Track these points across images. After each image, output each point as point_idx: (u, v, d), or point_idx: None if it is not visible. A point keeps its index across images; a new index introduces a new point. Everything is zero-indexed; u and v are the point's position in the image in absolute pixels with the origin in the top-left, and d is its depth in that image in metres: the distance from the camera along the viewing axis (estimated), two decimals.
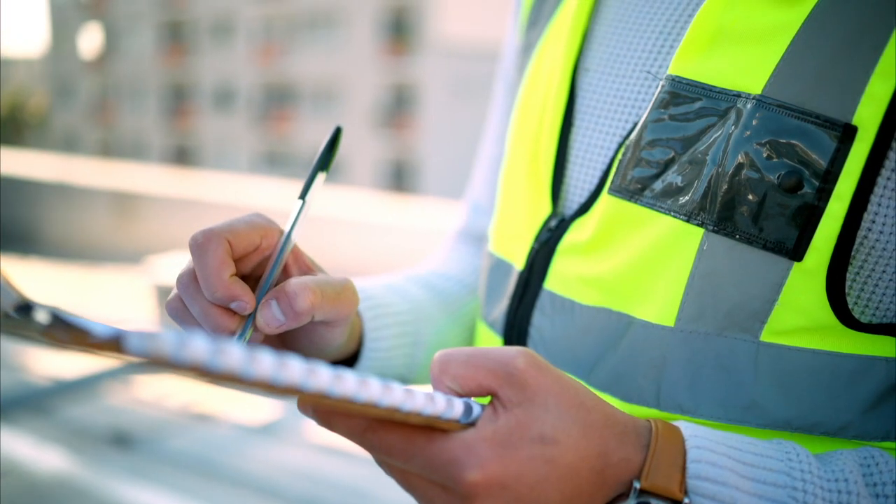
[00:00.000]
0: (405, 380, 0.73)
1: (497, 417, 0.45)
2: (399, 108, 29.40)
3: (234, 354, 0.36)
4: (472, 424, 0.46)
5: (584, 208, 0.62)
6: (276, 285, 0.56)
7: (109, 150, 36.48)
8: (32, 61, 51.10)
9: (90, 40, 37.93)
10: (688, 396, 0.55)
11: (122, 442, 3.75)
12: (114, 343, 0.33)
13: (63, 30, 38.94)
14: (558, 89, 0.66)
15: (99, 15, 37.17)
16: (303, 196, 0.58)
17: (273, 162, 32.44)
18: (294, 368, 0.38)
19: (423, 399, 0.43)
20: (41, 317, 0.34)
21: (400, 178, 29.22)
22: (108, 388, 4.44)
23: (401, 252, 7.17)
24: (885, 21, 0.49)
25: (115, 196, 10.04)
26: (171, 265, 6.30)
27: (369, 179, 28.68)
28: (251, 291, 0.54)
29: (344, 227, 7.76)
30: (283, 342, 0.62)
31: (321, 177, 0.59)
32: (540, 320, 0.63)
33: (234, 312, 0.54)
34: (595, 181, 0.63)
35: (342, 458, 3.60)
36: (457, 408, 0.45)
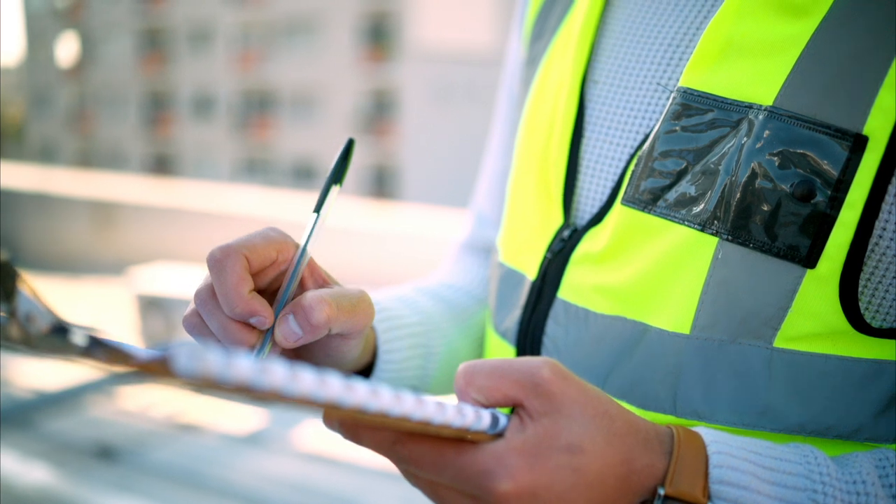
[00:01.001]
0: (417, 391, 0.73)
1: (525, 428, 0.46)
2: (379, 113, 29.41)
3: (278, 373, 0.36)
4: (499, 435, 0.46)
5: (597, 219, 0.63)
6: (292, 299, 0.57)
7: (88, 159, 36.20)
8: (8, 70, 50.65)
9: (67, 49, 37.65)
10: (703, 402, 0.56)
11: (106, 455, 3.71)
12: (160, 365, 0.33)
13: (39, 38, 38.62)
14: (567, 101, 0.67)
15: (75, 23, 36.90)
16: (317, 209, 0.59)
17: (253, 169, 32.34)
18: (333, 385, 0.39)
19: (453, 411, 0.44)
20: (78, 339, 0.34)
21: (381, 184, 29.21)
22: (91, 400, 4.40)
23: (382, 258, 7.15)
24: (893, 34, 0.51)
25: (94, 206, 9.96)
26: (153, 276, 6.26)
27: (350, 186, 28.63)
28: (269, 306, 0.55)
29: (323, 234, 7.69)
30: (299, 355, 0.62)
31: (335, 190, 0.59)
32: (554, 329, 0.64)
33: (253, 327, 0.55)
34: (607, 192, 0.64)
35: (329, 466, 3.58)
36: (484, 419, 0.46)
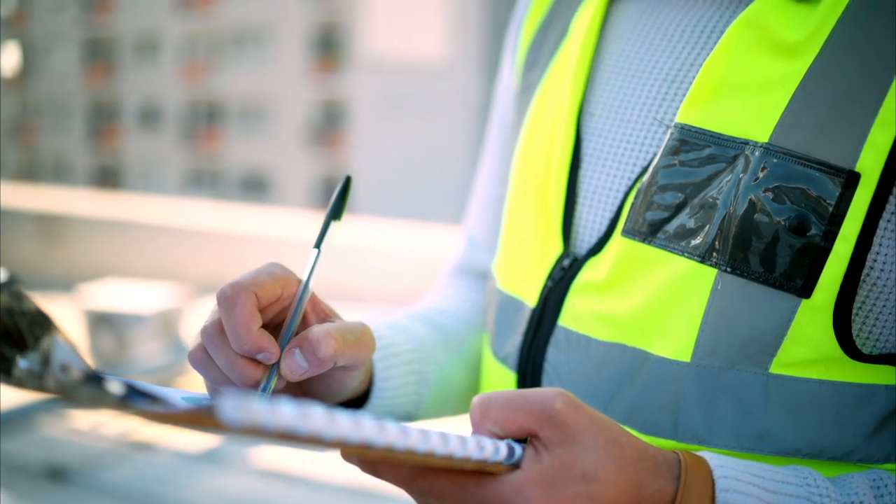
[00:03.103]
0: (411, 417, 0.75)
1: (540, 458, 0.47)
2: (329, 124, 29.27)
3: (317, 417, 0.37)
4: (516, 465, 0.48)
5: (597, 248, 0.65)
6: (296, 334, 0.58)
7: (31, 172, 35.33)
8: None
9: (9, 58, 36.76)
10: (704, 428, 0.58)
11: (57, 476, 3.63)
12: (205, 415, 0.33)
13: None
14: (565, 132, 0.69)
15: (18, 32, 36.04)
16: (317, 245, 0.61)
17: (202, 182, 31.91)
18: (367, 427, 0.40)
19: (473, 445, 0.46)
20: (114, 388, 0.34)
21: (331, 195, 28.99)
22: (41, 419, 4.29)
23: (333, 269, 7.10)
24: (884, 73, 0.54)
25: (39, 220, 9.73)
26: (101, 291, 6.13)
27: (300, 197, 28.43)
28: (275, 342, 0.56)
29: (275, 247, 7.65)
30: (302, 387, 0.63)
31: (335, 225, 0.61)
32: (555, 356, 0.66)
33: (259, 362, 0.56)
34: (605, 222, 0.65)
35: (287, 483, 3.55)
36: (501, 450, 0.47)
